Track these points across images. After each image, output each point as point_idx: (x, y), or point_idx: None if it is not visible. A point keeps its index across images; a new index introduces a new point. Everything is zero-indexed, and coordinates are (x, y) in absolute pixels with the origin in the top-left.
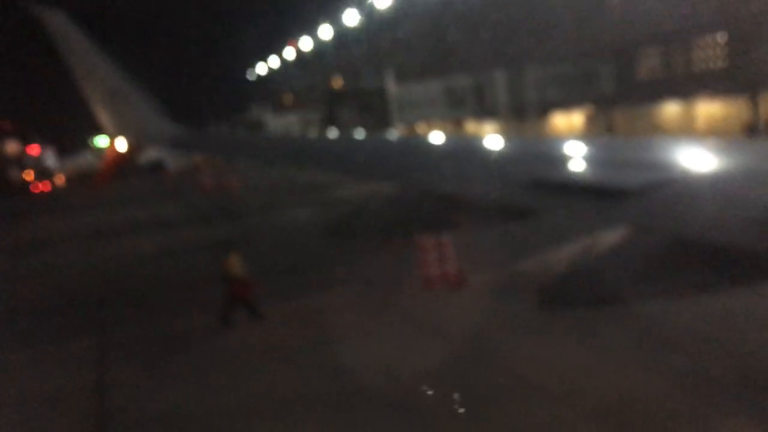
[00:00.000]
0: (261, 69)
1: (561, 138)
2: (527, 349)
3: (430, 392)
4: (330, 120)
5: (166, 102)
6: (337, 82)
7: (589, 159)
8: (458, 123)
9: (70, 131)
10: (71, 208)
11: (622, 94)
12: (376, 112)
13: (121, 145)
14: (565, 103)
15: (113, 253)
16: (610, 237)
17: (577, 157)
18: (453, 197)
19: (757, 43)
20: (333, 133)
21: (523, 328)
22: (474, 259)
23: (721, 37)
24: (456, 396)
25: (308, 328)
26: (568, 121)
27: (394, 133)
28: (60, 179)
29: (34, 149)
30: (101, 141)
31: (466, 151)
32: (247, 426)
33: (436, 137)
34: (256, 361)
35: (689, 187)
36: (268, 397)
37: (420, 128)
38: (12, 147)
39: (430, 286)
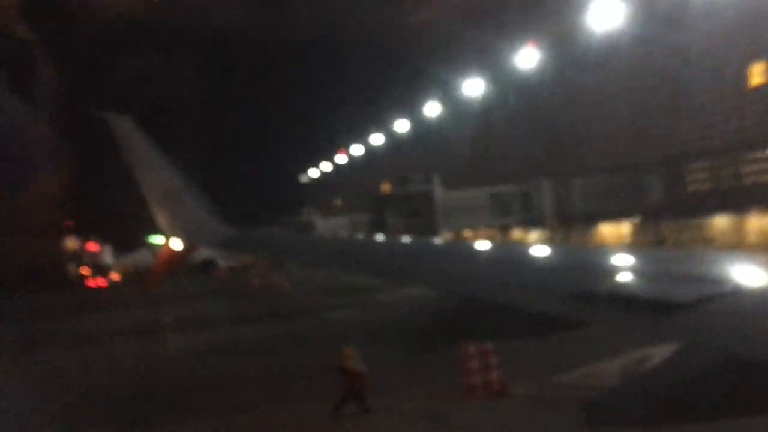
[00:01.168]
0: (312, 173)
1: (608, 249)
2: None
3: None
4: (377, 224)
5: (220, 204)
6: (385, 188)
7: (637, 271)
8: (504, 230)
9: (128, 230)
10: (123, 304)
11: (671, 205)
12: (423, 217)
13: (176, 244)
14: (613, 214)
15: (161, 348)
16: (659, 351)
17: (624, 269)
18: (497, 305)
19: None
20: (380, 237)
21: None
22: (518, 369)
23: None
24: None
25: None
26: (615, 231)
27: (440, 239)
28: (115, 275)
29: (92, 246)
30: (157, 240)
31: (511, 258)
32: None
33: (482, 244)
34: None
35: (742, 303)
36: None
37: (466, 234)
38: (72, 243)
39: (472, 394)
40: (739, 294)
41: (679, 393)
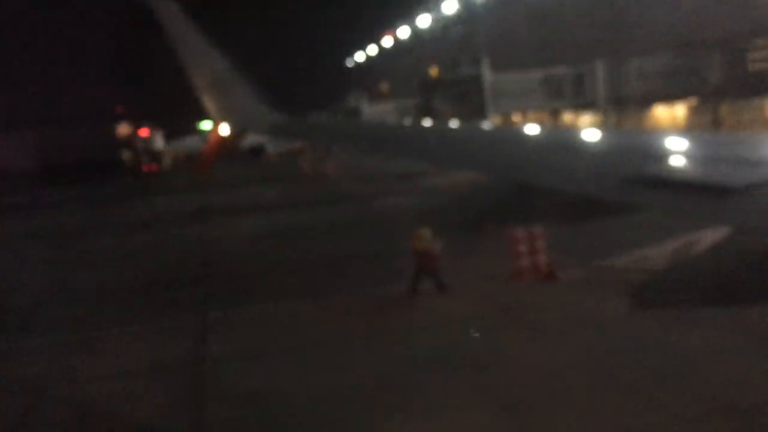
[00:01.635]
0: (359, 58)
1: (663, 132)
2: (617, 347)
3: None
4: (425, 109)
5: (268, 90)
6: (433, 71)
7: (691, 155)
8: (555, 114)
9: (178, 116)
10: (177, 189)
11: (731, 86)
12: (472, 102)
13: (225, 130)
14: (669, 95)
15: (217, 232)
16: (710, 236)
17: (678, 153)
18: (548, 190)
19: None
20: (428, 122)
21: (614, 324)
22: (567, 253)
23: None
24: (546, 392)
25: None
26: (671, 114)
27: (489, 123)
28: (167, 161)
29: (144, 132)
30: (207, 125)
31: (563, 143)
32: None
33: (532, 128)
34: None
35: None
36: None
37: (516, 118)
38: (124, 129)
39: (520, 277)
40: None
41: (728, 276)
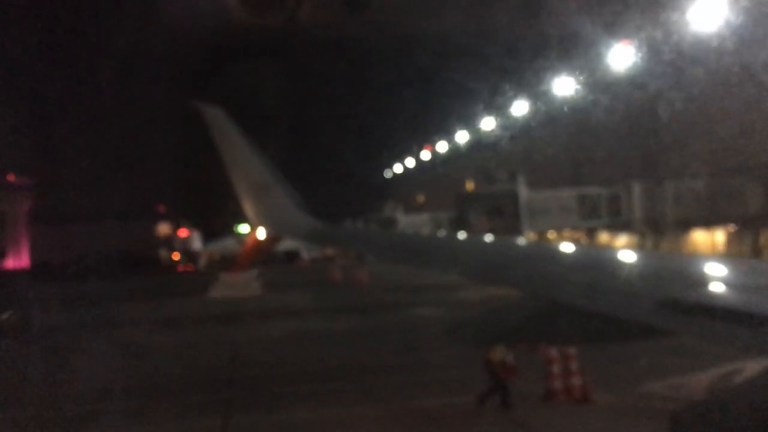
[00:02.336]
0: (397, 169)
1: (701, 257)
2: None
3: None
4: (460, 222)
5: (306, 196)
6: (469, 186)
7: (730, 281)
8: (591, 234)
9: (217, 217)
10: (209, 289)
11: None
12: (507, 217)
13: (262, 233)
14: (707, 220)
15: (245, 335)
16: (751, 366)
17: (717, 278)
18: (582, 310)
19: None
20: (463, 235)
21: None
22: (602, 376)
23: None
24: None
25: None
26: (709, 239)
27: (524, 239)
28: (202, 261)
29: (182, 232)
30: (244, 228)
31: (598, 263)
32: None
33: (568, 246)
34: None
35: None
36: None
37: (550, 236)
38: (163, 229)
39: (553, 398)
40: None
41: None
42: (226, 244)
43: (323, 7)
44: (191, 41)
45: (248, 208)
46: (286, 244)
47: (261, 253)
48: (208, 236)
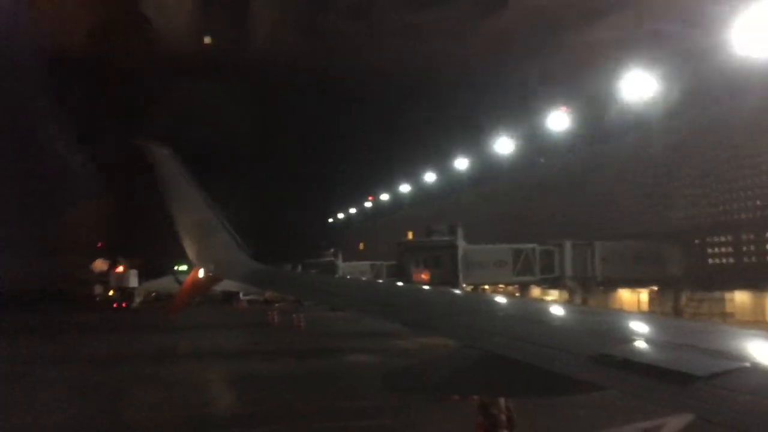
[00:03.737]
0: (339, 217)
1: (628, 314)
2: None
3: None
4: (399, 271)
5: (247, 239)
6: (409, 236)
7: (654, 339)
8: (524, 288)
9: (157, 256)
10: (144, 328)
11: (691, 276)
12: (445, 268)
13: (201, 274)
14: (633, 280)
15: (177, 375)
16: (673, 422)
17: (643, 336)
18: (515, 361)
19: None
20: (400, 283)
21: None
22: (531, 428)
23: None
24: None
25: None
26: (634, 297)
27: (460, 291)
28: (139, 299)
29: (119, 268)
30: (183, 268)
31: (532, 316)
32: None
33: (504, 299)
34: None
35: (757, 380)
36: None
37: (486, 289)
38: (99, 264)
39: None
40: (755, 371)
41: None
42: (164, 283)
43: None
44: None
45: (188, 247)
46: (225, 285)
47: (199, 293)
48: (148, 274)
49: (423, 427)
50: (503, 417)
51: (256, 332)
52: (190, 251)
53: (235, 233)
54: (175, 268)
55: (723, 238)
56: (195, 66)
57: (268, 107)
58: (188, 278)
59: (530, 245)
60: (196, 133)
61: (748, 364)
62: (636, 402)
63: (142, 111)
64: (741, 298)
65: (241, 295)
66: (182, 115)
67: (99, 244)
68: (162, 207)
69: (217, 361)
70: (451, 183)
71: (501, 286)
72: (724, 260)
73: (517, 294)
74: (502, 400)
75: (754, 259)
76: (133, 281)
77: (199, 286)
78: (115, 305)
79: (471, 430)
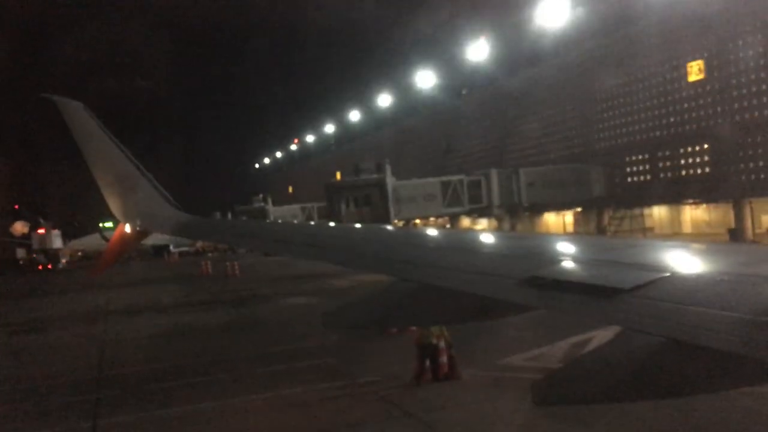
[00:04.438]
0: (266, 161)
1: (555, 237)
2: None
3: None
4: (329, 212)
5: (173, 190)
6: (338, 176)
7: (580, 258)
8: (454, 219)
9: (79, 215)
10: (73, 288)
11: (612, 196)
12: (375, 206)
13: (128, 229)
14: (557, 204)
15: (113, 334)
16: (601, 334)
17: (569, 256)
18: (448, 290)
19: (738, 153)
20: (331, 224)
21: (511, 422)
22: (467, 353)
23: (706, 146)
24: None
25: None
26: (559, 220)
27: (391, 227)
28: (63, 260)
29: (40, 230)
30: (108, 225)
31: (463, 245)
32: None
33: (434, 231)
34: None
35: (677, 289)
36: None
37: (417, 223)
38: (19, 227)
39: (423, 377)
40: (674, 280)
41: (618, 373)
42: (90, 241)
43: None
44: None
45: (112, 203)
46: (154, 239)
47: (127, 249)
48: (72, 234)
49: (366, 363)
50: (441, 344)
51: (190, 283)
52: (114, 207)
53: (160, 185)
54: (100, 225)
55: (640, 157)
56: (102, 12)
57: (186, 55)
58: (115, 234)
59: (458, 177)
60: (108, 84)
61: (668, 274)
62: (566, 319)
63: (48, 64)
64: (659, 212)
65: (171, 247)
66: (92, 66)
67: (16, 207)
68: (80, 164)
69: (152, 316)
70: (376, 120)
71: (431, 219)
72: (641, 178)
73: (447, 226)
74: (438, 329)
75: (669, 174)
76: (57, 242)
77: (127, 242)
78: (40, 267)
79: (412, 360)
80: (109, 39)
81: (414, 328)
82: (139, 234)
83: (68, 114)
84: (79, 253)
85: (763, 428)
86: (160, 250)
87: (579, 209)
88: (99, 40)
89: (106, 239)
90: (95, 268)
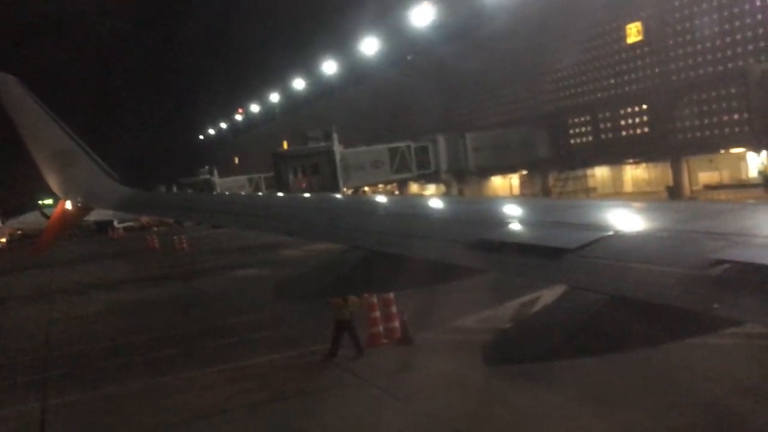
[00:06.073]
0: (210, 133)
1: (501, 200)
2: (467, 405)
3: None
4: (277, 182)
5: (114, 164)
6: (285, 145)
7: (526, 220)
8: (402, 185)
9: (17, 192)
10: (13, 268)
11: (555, 158)
12: (323, 175)
13: (69, 205)
14: (504, 168)
15: (59, 312)
16: (548, 294)
17: (515, 218)
18: (399, 258)
19: (674, 113)
20: (279, 194)
21: (462, 383)
22: (420, 317)
23: (645, 107)
24: None
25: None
26: (506, 184)
27: (339, 195)
28: (4, 239)
29: None
30: (49, 202)
31: (411, 211)
32: None
33: (382, 198)
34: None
35: (620, 247)
36: None
37: (366, 190)
38: None
39: (375, 342)
40: (616, 239)
41: (565, 331)
42: (30, 219)
43: None
44: None
45: (51, 179)
46: (97, 215)
47: (69, 226)
48: (9, 213)
49: (320, 332)
50: (393, 309)
51: (136, 259)
52: (53, 183)
53: (100, 159)
54: (40, 202)
55: (583, 119)
56: None
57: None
58: (55, 211)
59: (405, 143)
60: (39, 55)
61: (610, 233)
62: (515, 280)
63: None
64: (601, 173)
65: (115, 223)
66: (21, 37)
67: None
68: (14, 139)
69: (100, 293)
70: (322, 89)
71: (380, 186)
72: (584, 139)
73: (396, 192)
74: (390, 295)
75: (610, 135)
76: None
77: (69, 219)
78: None
79: (366, 328)
80: (38, 6)
81: (365, 295)
82: (81, 210)
83: (1, 88)
84: (19, 232)
85: (700, 377)
86: (104, 226)
87: (525, 172)
88: (26, 8)
89: (47, 216)
90: (37, 247)
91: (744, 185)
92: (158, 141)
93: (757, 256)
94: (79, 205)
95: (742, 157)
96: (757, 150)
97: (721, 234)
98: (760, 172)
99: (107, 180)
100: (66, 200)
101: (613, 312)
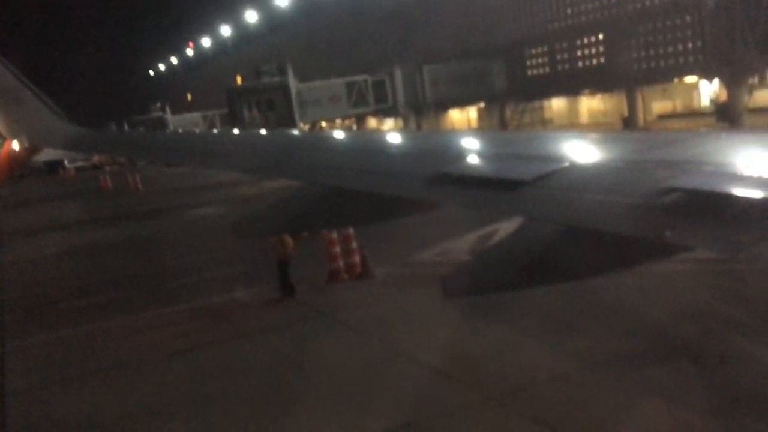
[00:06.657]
0: (161, 68)
1: (459, 133)
2: (428, 337)
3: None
4: (232, 118)
5: (64, 103)
6: (239, 80)
7: (484, 152)
8: (360, 120)
9: None
10: None
11: (512, 90)
12: (279, 110)
13: (16, 146)
14: (461, 100)
15: (12, 255)
16: (506, 226)
17: (472, 151)
18: (357, 192)
19: (630, 43)
20: (235, 130)
21: (424, 316)
22: (379, 251)
23: (601, 37)
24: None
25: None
26: (463, 116)
27: (296, 131)
28: None
29: None
30: None
31: (369, 146)
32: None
33: (340, 133)
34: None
35: (576, 178)
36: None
37: (323, 125)
38: None
39: (336, 278)
40: (573, 170)
41: (522, 262)
42: None
43: None
44: None
45: None
46: (47, 155)
47: (17, 167)
48: None
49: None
50: (352, 245)
51: (90, 199)
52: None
53: (48, 98)
54: None
55: (539, 50)
56: None
57: None
58: (2, 152)
59: (362, 77)
60: None
61: (567, 164)
62: (473, 213)
63: None
64: (558, 104)
65: (66, 163)
66: None
67: None
68: None
69: (53, 235)
70: (275, 21)
71: (338, 121)
72: (541, 71)
73: (354, 127)
74: (349, 231)
75: (566, 66)
76: None
77: (16, 160)
78: None
79: (324, 264)
80: None
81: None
82: (29, 150)
83: None
84: None
85: (649, 301)
86: (54, 166)
87: (482, 105)
88: None
89: None
90: None
91: (696, 114)
92: (108, 78)
93: (706, 183)
94: (26, 145)
95: (695, 86)
96: (710, 78)
97: (673, 162)
98: (711, 101)
99: (55, 119)
100: (12, 140)
101: (569, 242)
